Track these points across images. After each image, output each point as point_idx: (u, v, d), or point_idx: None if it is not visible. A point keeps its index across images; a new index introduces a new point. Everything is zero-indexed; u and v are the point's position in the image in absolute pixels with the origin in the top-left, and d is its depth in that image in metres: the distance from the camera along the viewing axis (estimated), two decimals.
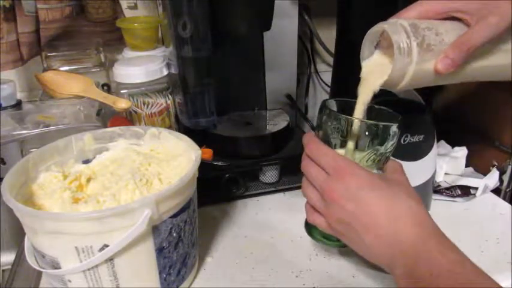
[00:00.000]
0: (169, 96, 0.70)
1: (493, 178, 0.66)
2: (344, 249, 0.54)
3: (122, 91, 0.67)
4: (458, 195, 0.65)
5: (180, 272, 0.46)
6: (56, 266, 0.40)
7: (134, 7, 0.82)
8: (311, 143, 0.43)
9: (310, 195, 0.43)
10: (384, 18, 0.44)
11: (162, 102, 0.69)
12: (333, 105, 0.46)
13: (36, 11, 0.72)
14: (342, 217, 0.40)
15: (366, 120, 0.41)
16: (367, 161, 0.42)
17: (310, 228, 0.49)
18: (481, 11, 0.39)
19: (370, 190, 0.39)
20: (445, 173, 0.67)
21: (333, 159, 0.41)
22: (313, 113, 0.99)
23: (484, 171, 0.69)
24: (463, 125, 0.76)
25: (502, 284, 0.50)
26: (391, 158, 0.44)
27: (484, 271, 0.36)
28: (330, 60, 0.92)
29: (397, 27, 0.39)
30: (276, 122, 0.69)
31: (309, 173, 0.43)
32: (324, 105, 0.44)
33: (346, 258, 0.53)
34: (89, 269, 0.39)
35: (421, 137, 0.57)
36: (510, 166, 0.68)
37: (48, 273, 0.41)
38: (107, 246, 0.38)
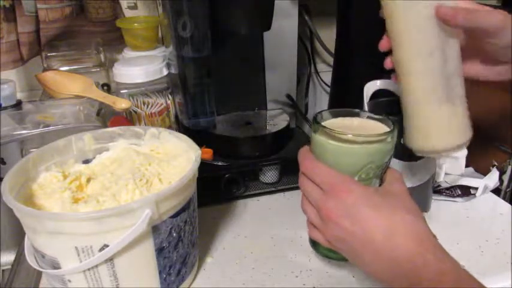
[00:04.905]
0: (169, 96, 0.70)
1: (493, 178, 0.66)
2: None
3: (122, 91, 0.67)
4: (458, 195, 0.65)
5: (180, 272, 0.46)
6: (56, 266, 0.40)
7: (134, 7, 0.82)
8: (305, 160, 0.43)
9: (308, 211, 0.43)
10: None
11: (162, 102, 0.69)
12: (325, 117, 0.45)
13: (36, 11, 0.72)
14: (339, 234, 0.39)
15: (358, 134, 0.40)
16: (364, 174, 0.41)
17: (314, 242, 0.49)
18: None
19: (366, 206, 0.38)
20: (445, 173, 0.67)
21: (327, 176, 0.40)
22: (313, 113, 0.99)
23: (484, 171, 0.69)
24: None
25: (502, 284, 0.51)
26: (390, 167, 0.44)
27: (484, 285, 0.36)
28: (330, 60, 0.92)
29: None
30: (276, 122, 0.69)
31: (305, 190, 0.43)
32: (315, 120, 0.43)
33: None
34: (89, 269, 0.39)
35: None
36: (510, 166, 0.68)
37: (48, 273, 0.41)
38: (107, 246, 0.38)
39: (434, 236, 0.38)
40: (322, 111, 0.45)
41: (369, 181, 0.42)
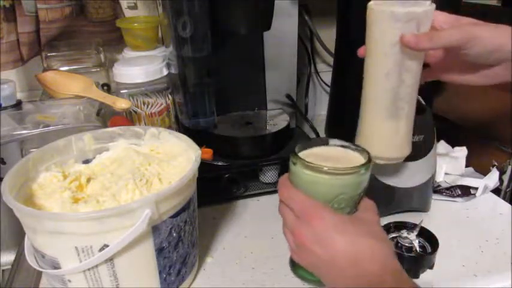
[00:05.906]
0: (169, 96, 0.70)
1: (493, 178, 0.66)
2: None
3: (122, 91, 0.67)
4: (458, 195, 0.65)
5: (180, 272, 0.46)
6: (56, 266, 0.40)
7: (134, 7, 0.82)
8: (282, 187, 0.44)
9: (287, 237, 0.44)
10: None
11: (162, 102, 0.69)
12: (305, 146, 0.46)
13: (36, 11, 0.72)
14: (311, 260, 0.41)
15: (334, 167, 0.41)
16: (336, 203, 0.42)
17: (294, 265, 0.51)
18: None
19: (335, 233, 0.39)
20: (445, 173, 0.67)
21: (301, 203, 0.42)
22: (313, 113, 0.99)
23: (484, 171, 0.69)
24: (463, 125, 0.76)
25: (502, 284, 0.51)
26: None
27: None
28: (330, 60, 0.92)
29: None
30: (276, 122, 0.69)
31: (282, 216, 0.44)
32: (294, 153, 0.43)
33: None
34: (89, 269, 0.39)
35: (421, 137, 0.57)
36: (510, 166, 0.68)
37: (48, 273, 0.41)
38: (107, 246, 0.38)
39: (398, 260, 0.39)
40: (301, 143, 0.46)
41: (341, 210, 0.43)
